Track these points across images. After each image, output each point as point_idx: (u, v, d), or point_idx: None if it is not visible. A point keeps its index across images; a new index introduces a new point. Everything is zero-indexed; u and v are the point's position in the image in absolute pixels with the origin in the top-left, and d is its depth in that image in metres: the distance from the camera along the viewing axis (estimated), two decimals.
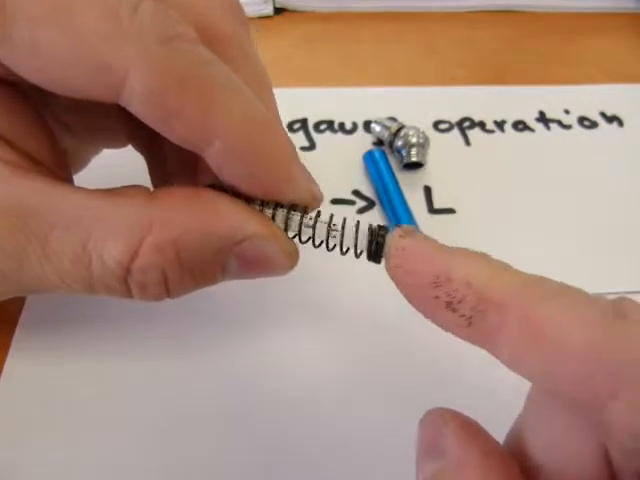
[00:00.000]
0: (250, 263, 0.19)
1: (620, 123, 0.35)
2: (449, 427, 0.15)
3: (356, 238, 0.18)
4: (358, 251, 0.18)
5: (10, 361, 0.23)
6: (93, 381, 0.23)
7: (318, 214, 0.19)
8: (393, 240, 0.16)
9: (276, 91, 0.22)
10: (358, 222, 0.18)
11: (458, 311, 0.14)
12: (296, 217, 0.19)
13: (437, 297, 0.14)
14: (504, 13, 0.45)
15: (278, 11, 0.44)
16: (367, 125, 0.34)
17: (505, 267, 0.15)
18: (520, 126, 0.35)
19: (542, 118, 0.36)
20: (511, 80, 0.38)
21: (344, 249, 0.19)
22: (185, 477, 0.21)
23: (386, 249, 0.17)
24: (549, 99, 0.37)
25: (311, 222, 0.18)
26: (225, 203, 0.18)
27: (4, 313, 0.24)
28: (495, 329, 0.13)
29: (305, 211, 0.19)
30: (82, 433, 0.21)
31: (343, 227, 0.18)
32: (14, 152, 0.18)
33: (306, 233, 0.19)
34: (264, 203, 0.19)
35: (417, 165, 0.32)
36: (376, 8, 0.44)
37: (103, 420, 0.22)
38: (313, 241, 0.19)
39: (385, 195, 0.30)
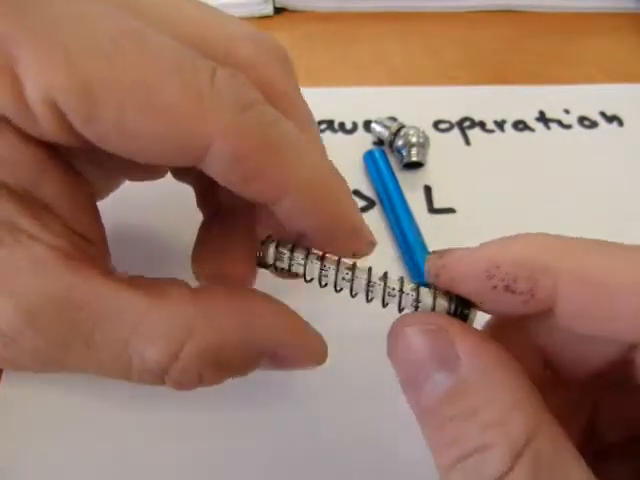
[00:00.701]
0: (281, 362, 0.19)
1: (620, 123, 0.35)
2: (464, 333, 0.15)
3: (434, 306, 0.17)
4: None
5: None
6: (93, 382, 0.23)
7: (385, 275, 0.18)
8: (432, 263, 0.17)
9: None
10: (434, 292, 0.17)
11: (517, 289, 0.15)
12: (362, 279, 0.18)
13: (495, 286, 0.15)
14: (504, 13, 0.45)
15: (278, 11, 0.44)
16: (367, 125, 0.34)
17: (544, 237, 0.16)
18: (520, 126, 0.35)
19: (542, 118, 0.36)
20: (511, 80, 0.38)
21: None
22: (185, 477, 0.21)
23: (427, 269, 0.17)
24: (549, 99, 0.37)
25: (384, 287, 0.18)
26: (262, 305, 0.19)
27: None
28: (551, 293, 0.15)
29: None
30: (82, 434, 0.21)
31: (417, 296, 0.18)
32: (63, 230, 0.18)
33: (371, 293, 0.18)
34: (323, 257, 0.19)
35: (417, 165, 0.32)
36: (376, 8, 0.44)
37: (103, 421, 0.22)
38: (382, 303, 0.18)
39: (385, 195, 0.30)
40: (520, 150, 0.34)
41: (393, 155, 0.32)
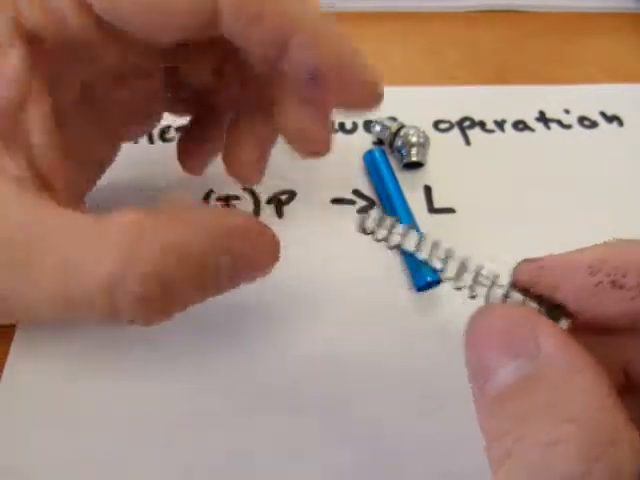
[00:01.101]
0: (240, 259, 0.19)
1: (620, 123, 0.35)
2: (549, 327, 0.14)
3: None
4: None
5: (10, 361, 0.23)
6: (94, 381, 0.23)
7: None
8: (525, 267, 0.16)
9: None
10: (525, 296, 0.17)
11: (625, 285, 0.14)
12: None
13: (599, 282, 0.14)
14: (504, 13, 0.45)
15: None
16: (367, 125, 0.34)
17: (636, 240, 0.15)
18: (520, 126, 0.35)
19: (542, 118, 0.36)
20: (511, 80, 0.38)
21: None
22: (186, 477, 0.21)
23: (517, 282, 0.17)
24: (549, 99, 0.37)
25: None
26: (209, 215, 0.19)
27: None
28: None
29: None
30: (83, 433, 0.21)
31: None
32: (28, 165, 0.18)
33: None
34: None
35: (417, 165, 0.32)
36: (376, 8, 0.44)
37: (104, 420, 0.22)
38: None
39: (385, 195, 0.30)
40: (520, 150, 0.33)
41: (393, 155, 0.32)
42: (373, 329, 0.25)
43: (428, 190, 0.31)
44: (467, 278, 0.17)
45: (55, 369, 0.23)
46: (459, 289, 0.17)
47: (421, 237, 0.18)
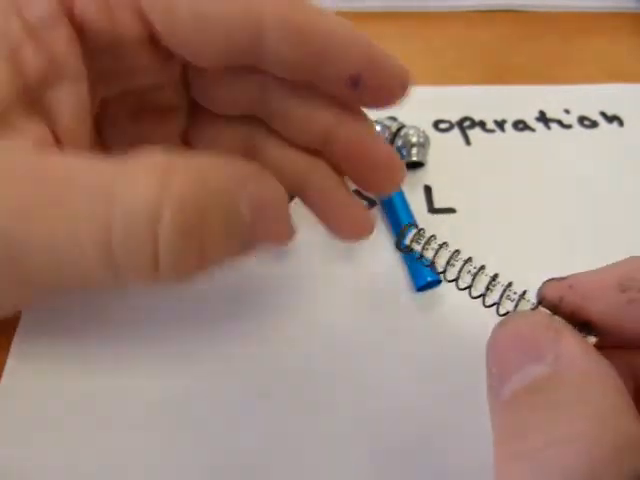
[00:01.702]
0: (259, 207, 0.18)
1: (620, 123, 0.35)
2: (572, 335, 0.14)
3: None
4: None
5: (10, 361, 0.23)
6: (94, 381, 0.23)
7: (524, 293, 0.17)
8: (553, 287, 0.16)
9: None
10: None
11: None
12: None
13: (632, 300, 0.14)
14: (504, 13, 0.45)
15: None
16: None
17: None
18: (520, 126, 0.35)
19: (542, 118, 0.36)
20: (511, 80, 0.38)
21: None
22: (186, 477, 0.21)
23: (545, 295, 0.17)
24: (549, 99, 0.37)
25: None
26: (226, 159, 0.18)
27: None
28: None
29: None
30: (83, 433, 0.21)
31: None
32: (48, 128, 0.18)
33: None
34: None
35: (417, 165, 0.32)
36: (376, 8, 0.44)
37: (104, 420, 0.22)
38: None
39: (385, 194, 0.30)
40: (520, 150, 0.33)
41: None
42: (373, 329, 0.25)
43: (428, 190, 0.31)
44: (496, 294, 0.17)
45: (55, 369, 0.23)
46: (489, 306, 0.17)
47: (453, 253, 0.18)
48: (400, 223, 0.28)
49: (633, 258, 0.15)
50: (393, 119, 0.33)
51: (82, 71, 0.19)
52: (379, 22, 0.43)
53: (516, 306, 0.17)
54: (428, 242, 0.19)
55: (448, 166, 0.32)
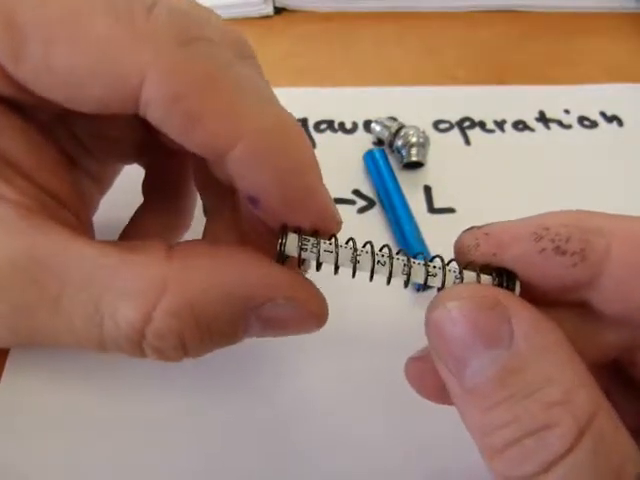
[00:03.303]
0: (274, 324, 0.18)
1: (620, 123, 0.35)
2: (520, 312, 0.14)
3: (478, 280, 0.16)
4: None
5: (10, 362, 0.23)
6: (93, 382, 0.23)
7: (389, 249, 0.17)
8: (472, 233, 0.16)
9: (276, 91, 0.22)
10: (477, 268, 0.16)
11: (568, 251, 0.14)
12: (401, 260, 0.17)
13: (544, 249, 0.15)
14: (504, 13, 0.45)
15: (278, 11, 0.44)
16: (367, 125, 0.34)
17: (585, 210, 0.15)
18: (520, 126, 0.35)
19: (542, 118, 0.36)
20: (511, 80, 0.38)
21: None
22: (186, 477, 0.21)
23: (461, 247, 0.17)
24: (549, 99, 0.37)
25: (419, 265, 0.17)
26: (247, 260, 0.17)
27: None
28: (604, 253, 0.14)
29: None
30: (82, 434, 0.21)
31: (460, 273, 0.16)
32: (30, 187, 0.17)
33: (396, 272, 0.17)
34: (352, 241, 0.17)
35: (417, 165, 0.32)
36: (376, 8, 0.44)
37: (104, 421, 0.22)
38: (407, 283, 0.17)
39: (385, 195, 0.30)
40: (520, 150, 0.33)
41: (393, 155, 0.32)
42: (373, 329, 0.25)
43: (428, 190, 0.31)
44: (419, 273, 0.17)
45: (55, 370, 0.23)
46: (408, 284, 0.17)
47: (355, 249, 0.17)
48: (400, 223, 0.28)
49: (551, 212, 0.16)
50: (393, 119, 0.33)
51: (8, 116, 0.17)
52: (379, 22, 0.43)
53: (444, 282, 0.16)
54: (318, 244, 0.17)
55: (448, 166, 0.32)
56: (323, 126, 0.34)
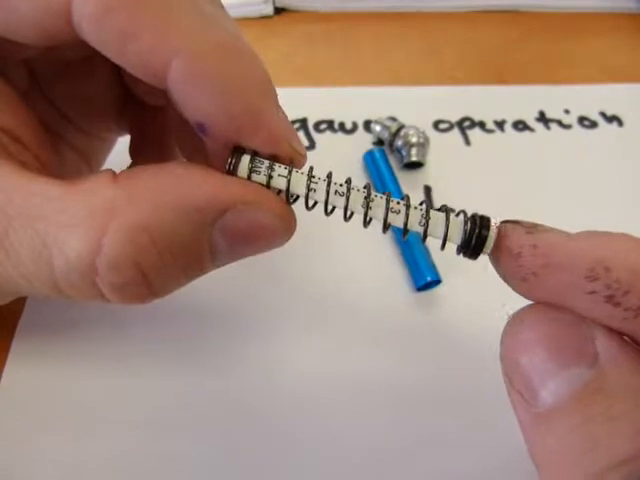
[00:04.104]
0: (239, 237, 0.16)
1: (620, 123, 0.35)
2: (601, 330, 0.12)
3: (447, 227, 0.15)
4: (442, 242, 0.15)
5: (10, 362, 0.23)
6: (93, 382, 0.23)
7: (348, 181, 0.16)
8: (520, 237, 0.14)
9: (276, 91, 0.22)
10: (444, 208, 0.15)
11: (623, 304, 0.12)
12: (322, 184, 0.16)
13: (594, 292, 0.12)
14: (504, 13, 0.45)
15: (278, 11, 0.44)
16: (367, 125, 0.34)
17: None
18: (520, 126, 0.35)
19: (542, 118, 0.36)
20: (511, 80, 0.38)
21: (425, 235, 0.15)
22: (186, 476, 0.21)
23: (490, 245, 0.14)
24: (549, 99, 0.37)
25: (366, 197, 0.15)
26: (200, 174, 0.16)
27: (4, 313, 0.24)
28: None
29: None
30: (82, 434, 0.21)
31: (427, 213, 0.15)
32: None
33: (336, 202, 0.16)
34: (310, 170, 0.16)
35: (417, 165, 0.32)
36: (376, 8, 0.44)
37: (104, 421, 0.22)
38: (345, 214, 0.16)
39: None
40: (520, 150, 0.33)
41: (393, 155, 0.32)
42: (373, 329, 0.25)
43: (428, 190, 0.31)
44: (378, 203, 0.15)
45: (55, 370, 0.23)
46: (369, 222, 0.16)
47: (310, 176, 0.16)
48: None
49: (619, 237, 0.14)
50: (393, 119, 0.33)
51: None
52: (379, 22, 0.43)
53: (407, 220, 0.15)
54: (271, 168, 0.16)
55: (448, 166, 0.32)
56: (323, 126, 0.34)
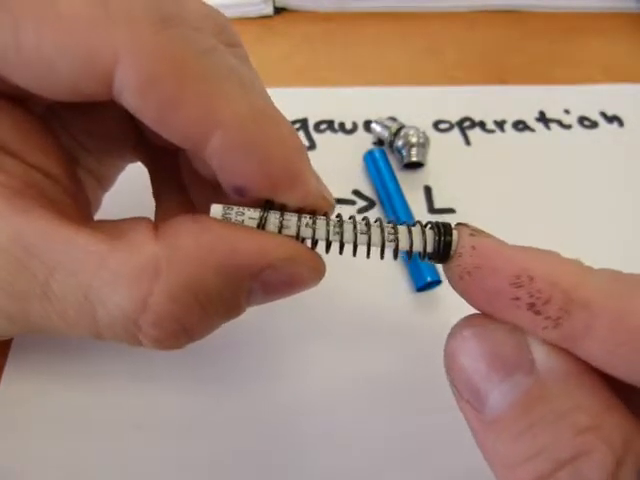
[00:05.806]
0: (276, 287, 0.17)
1: (620, 123, 0.35)
2: (534, 337, 0.13)
3: (424, 240, 0.17)
4: (416, 252, 0.17)
5: (10, 363, 0.23)
6: (93, 384, 0.23)
7: (339, 217, 0.17)
8: (463, 239, 0.15)
9: (276, 91, 0.22)
10: (416, 223, 0.17)
11: (543, 313, 0.13)
12: (322, 223, 0.17)
13: (517, 298, 0.13)
14: (504, 13, 0.45)
15: (278, 11, 0.44)
16: (367, 125, 0.34)
17: (584, 265, 0.14)
18: (520, 126, 0.35)
19: (542, 118, 0.36)
20: (511, 80, 0.38)
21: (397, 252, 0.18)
22: (186, 476, 0.21)
23: (454, 248, 0.15)
24: (549, 99, 0.37)
25: (363, 227, 0.17)
26: (236, 230, 0.16)
27: None
28: (583, 330, 0.13)
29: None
30: (83, 433, 0.21)
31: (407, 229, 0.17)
32: (18, 165, 0.16)
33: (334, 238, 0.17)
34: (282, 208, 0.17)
35: (417, 165, 0.32)
36: (376, 8, 0.44)
37: (104, 421, 0.22)
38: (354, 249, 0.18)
39: (385, 195, 0.30)
40: (520, 150, 0.33)
41: (393, 155, 0.32)
42: (373, 329, 0.25)
43: (428, 190, 0.31)
44: (346, 228, 0.17)
45: (54, 371, 0.23)
46: (342, 248, 0.17)
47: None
48: (400, 224, 0.28)
49: (547, 253, 0.14)
50: (393, 119, 0.33)
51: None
52: (379, 22, 0.43)
53: (368, 230, 0.17)
54: (299, 220, 0.17)
55: (448, 166, 0.32)
56: (323, 126, 0.34)
